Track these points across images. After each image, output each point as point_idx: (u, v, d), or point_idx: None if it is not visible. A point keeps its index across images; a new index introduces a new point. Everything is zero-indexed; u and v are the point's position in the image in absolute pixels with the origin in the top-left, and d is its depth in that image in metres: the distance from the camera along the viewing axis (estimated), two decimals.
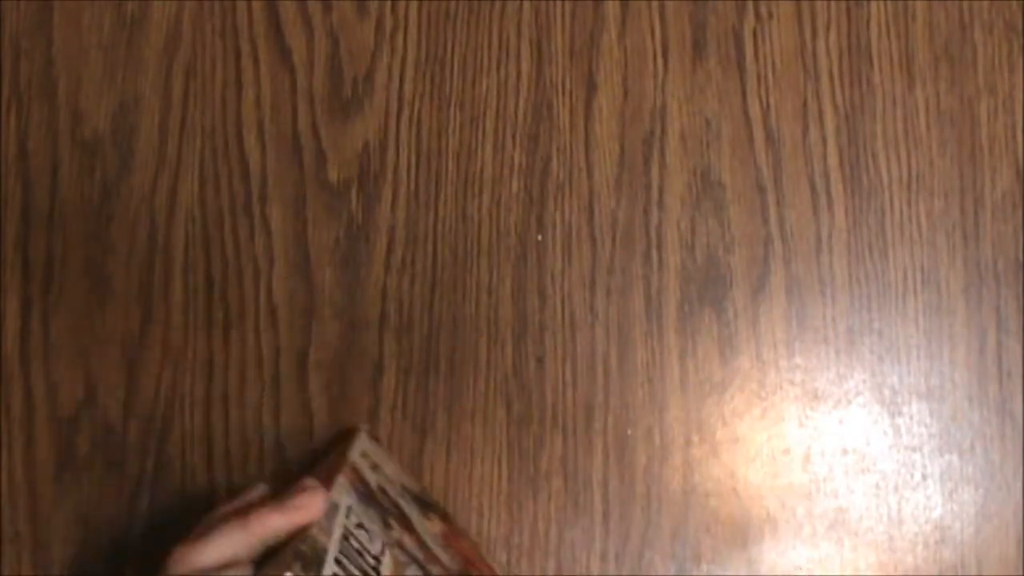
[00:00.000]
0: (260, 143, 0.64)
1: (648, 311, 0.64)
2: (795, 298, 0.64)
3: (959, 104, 0.66)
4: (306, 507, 0.47)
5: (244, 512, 0.47)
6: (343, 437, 0.61)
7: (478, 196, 0.65)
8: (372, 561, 0.48)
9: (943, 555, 0.63)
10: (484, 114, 0.65)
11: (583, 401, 0.63)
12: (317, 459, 0.61)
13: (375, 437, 0.61)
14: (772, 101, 0.66)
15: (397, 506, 0.56)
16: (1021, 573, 0.62)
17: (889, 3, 0.67)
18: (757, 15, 0.66)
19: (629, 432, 0.63)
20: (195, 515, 0.50)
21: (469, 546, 0.59)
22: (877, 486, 0.63)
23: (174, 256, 0.63)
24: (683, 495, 0.63)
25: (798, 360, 0.64)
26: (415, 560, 0.52)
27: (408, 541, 0.53)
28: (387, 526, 0.53)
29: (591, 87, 0.65)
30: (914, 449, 0.64)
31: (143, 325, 0.63)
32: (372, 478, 0.55)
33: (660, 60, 0.66)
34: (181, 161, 0.64)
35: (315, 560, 0.44)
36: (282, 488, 0.50)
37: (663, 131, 0.65)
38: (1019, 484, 0.63)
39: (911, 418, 0.64)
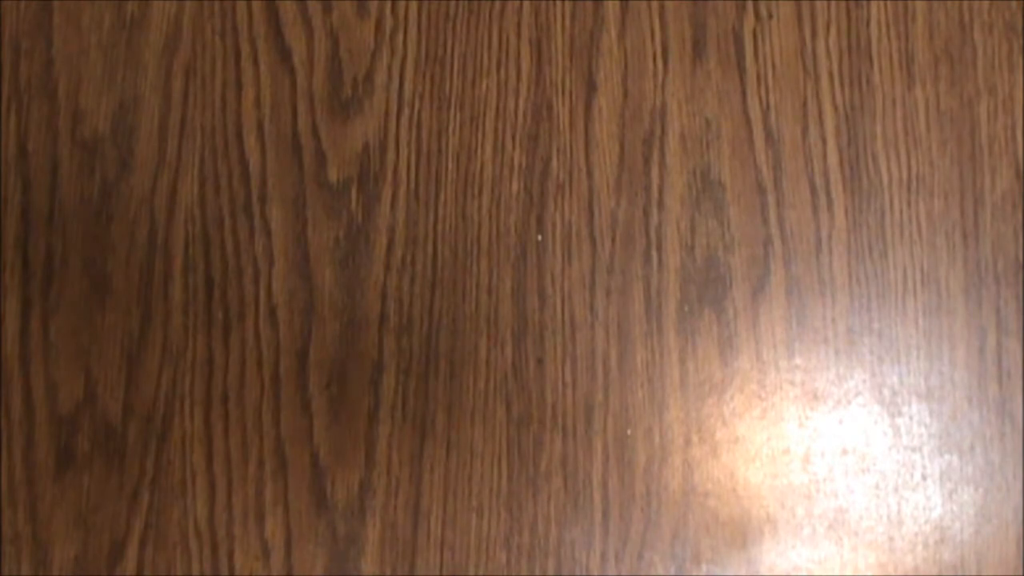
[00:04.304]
0: (260, 143, 0.64)
1: (648, 311, 0.64)
2: (795, 298, 0.64)
3: (959, 104, 0.66)
4: None
5: None
6: None
7: (478, 196, 0.65)
8: None
9: (943, 555, 0.63)
10: (484, 114, 0.65)
11: (583, 401, 0.63)
12: (316, 459, 0.61)
13: None
14: (772, 101, 0.66)
15: None
16: (1021, 573, 0.62)
17: (889, 3, 0.67)
18: (757, 15, 0.66)
19: (629, 432, 0.63)
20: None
21: None
22: (877, 486, 0.63)
23: (174, 256, 0.63)
24: (683, 495, 0.63)
25: (798, 360, 0.64)
26: None
27: None
28: None
29: (591, 87, 0.65)
30: (914, 449, 0.64)
31: (143, 325, 0.63)
32: None
33: (660, 60, 0.66)
34: (181, 161, 0.64)
35: None
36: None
37: (663, 131, 0.65)
38: (1019, 484, 0.63)
39: (911, 418, 0.64)
